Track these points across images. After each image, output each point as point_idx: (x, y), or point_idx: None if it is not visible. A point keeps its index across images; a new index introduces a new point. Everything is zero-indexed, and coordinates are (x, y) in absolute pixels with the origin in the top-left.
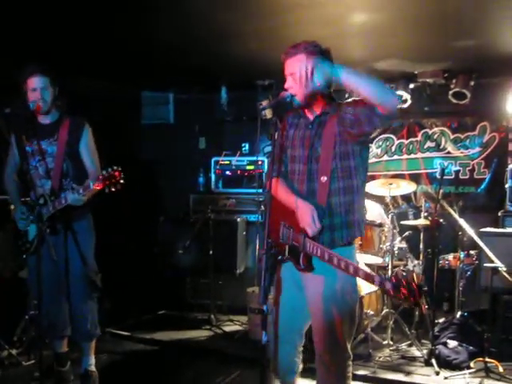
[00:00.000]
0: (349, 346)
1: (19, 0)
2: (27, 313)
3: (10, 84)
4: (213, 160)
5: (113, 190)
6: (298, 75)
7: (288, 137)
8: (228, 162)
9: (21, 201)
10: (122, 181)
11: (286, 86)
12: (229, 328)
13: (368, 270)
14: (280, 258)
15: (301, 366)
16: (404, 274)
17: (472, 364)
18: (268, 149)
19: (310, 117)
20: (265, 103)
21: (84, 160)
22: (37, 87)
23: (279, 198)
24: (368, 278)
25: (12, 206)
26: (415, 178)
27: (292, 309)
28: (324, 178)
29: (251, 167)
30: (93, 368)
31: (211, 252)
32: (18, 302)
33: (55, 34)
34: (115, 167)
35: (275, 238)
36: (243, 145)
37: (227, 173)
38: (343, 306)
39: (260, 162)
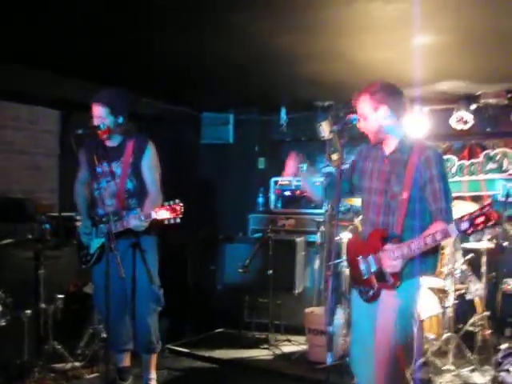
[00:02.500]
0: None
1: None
2: (91, 326)
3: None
4: (272, 180)
5: (171, 222)
6: (361, 115)
7: (363, 167)
8: (287, 182)
9: (87, 215)
10: (181, 215)
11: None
12: (287, 348)
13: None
14: (371, 293)
15: None
16: None
17: None
18: (327, 169)
19: (385, 151)
20: (335, 126)
21: (145, 178)
22: (96, 115)
23: None
24: (445, 235)
25: (78, 223)
26: (476, 200)
27: (366, 329)
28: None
29: None
30: (154, 382)
31: (270, 271)
32: (82, 316)
33: (119, 54)
34: (177, 201)
35: (359, 278)
36: (301, 165)
37: (286, 193)
38: (409, 329)
39: (318, 183)
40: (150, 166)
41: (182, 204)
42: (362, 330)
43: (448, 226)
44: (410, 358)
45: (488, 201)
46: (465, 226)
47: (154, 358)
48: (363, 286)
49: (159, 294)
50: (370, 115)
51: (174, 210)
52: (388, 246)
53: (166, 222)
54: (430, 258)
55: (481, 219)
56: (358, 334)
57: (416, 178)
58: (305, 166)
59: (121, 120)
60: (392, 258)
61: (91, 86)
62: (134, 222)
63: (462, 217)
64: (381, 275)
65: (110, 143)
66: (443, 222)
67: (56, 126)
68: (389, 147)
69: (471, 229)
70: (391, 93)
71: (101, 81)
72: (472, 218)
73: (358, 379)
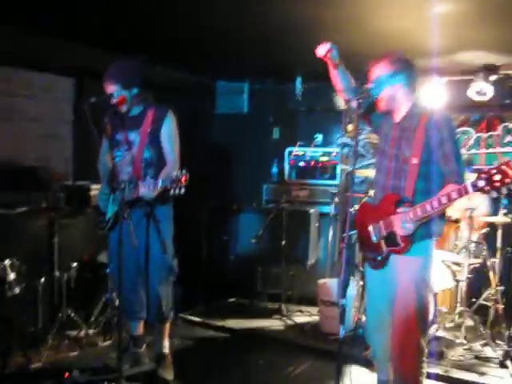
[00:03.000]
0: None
1: None
2: (104, 295)
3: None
4: (287, 150)
5: (176, 192)
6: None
7: (380, 127)
8: (302, 153)
9: (107, 182)
10: (184, 186)
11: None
12: (299, 319)
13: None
14: (380, 258)
15: None
16: None
17: None
18: (342, 140)
19: (395, 119)
20: (353, 98)
21: (163, 148)
22: (110, 93)
23: None
24: (461, 192)
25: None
26: None
27: (381, 298)
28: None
29: (325, 158)
30: (167, 350)
31: (283, 242)
32: (95, 284)
33: (133, 20)
34: (184, 171)
35: (367, 243)
36: (316, 135)
37: (301, 163)
38: (425, 291)
39: (334, 154)
40: (169, 135)
41: (186, 175)
42: (376, 299)
43: (465, 184)
44: (425, 324)
45: (505, 159)
46: (481, 183)
47: (166, 327)
48: (371, 251)
49: (173, 263)
50: (387, 81)
51: (179, 181)
52: (401, 209)
53: (172, 193)
54: (438, 220)
55: (497, 177)
56: (372, 303)
57: (426, 142)
58: (319, 137)
59: (135, 91)
60: (405, 221)
61: (105, 53)
62: (142, 190)
63: (479, 174)
64: (391, 239)
65: (130, 113)
66: (456, 184)
67: (70, 93)
68: (399, 115)
69: (488, 186)
70: (408, 63)
71: (115, 48)
72: (489, 176)
73: (373, 348)
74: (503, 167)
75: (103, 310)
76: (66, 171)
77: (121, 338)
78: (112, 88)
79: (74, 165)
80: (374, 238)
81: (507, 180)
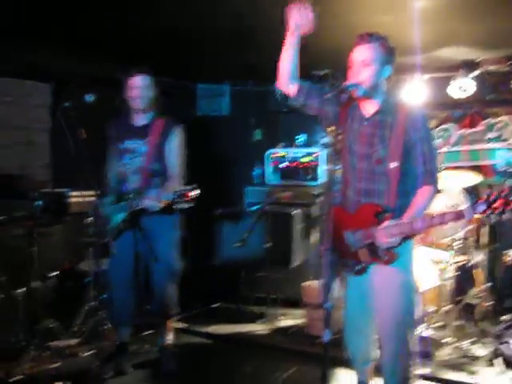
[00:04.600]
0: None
1: None
2: (87, 304)
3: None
4: (268, 152)
5: (180, 207)
6: (371, 63)
7: (348, 129)
8: (284, 154)
9: (113, 190)
10: (191, 202)
11: (352, 72)
12: (284, 322)
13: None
14: (359, 267)
15: (376, 354)
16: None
17: None
18: (325, 140)
19: (365, 112)
20: (329, 94)
21: (167, 161)
22: (138, 86)
23: None
24: (458, 216)
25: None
26: (477, 170)
27: (360, 304)
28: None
29: (307, 159)
30: (170, 343)
31: (267, 245)
32: (77, 293)
33: (109, 24)
34: (194, 186)
35: (344, 249)
36: (298, 136)
37: (283, 165)
38: (412, 299)
39: (316, 154)
40: (174, 149)
41: (193, 191)
42: (356, 304)
43: (463, 209)
44: (413, 327)
45: (506, 186)
46: (482, 208)
47: (169, 322)
48: (349, 258)
49: (177, 267)
50: (375, 64)
51: (185, 196)
52: (387, 224)
53: (174, 207)
54: None
55: (499, 202)
56: (351, 307)
57: (405, 141)
58: (302, 138)
59: (157, 93)
60: (390, 235)
61: (81, 58)
62: (148, 202)
63: (479, 199)
64: (373, 250)
65: (140, 121)
66: (430, 186)
67: (47, 99)
68: (370, 108)
69: (488, 211)
70: (394, 52)
71: (90, 51)
72: (490, 202)
73: (352, 351)
74: (504, 194)
75: (86, 319)
76: (44, 178)
77: (103, 347)
78: (142, 80)
79: (53, 172)
80: (351, 247)
81: (508, 207)
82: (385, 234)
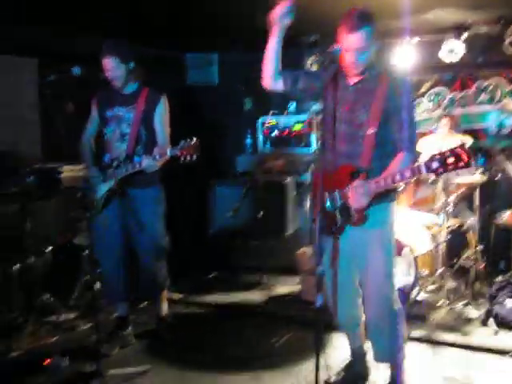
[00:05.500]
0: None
1: None
2: (83, 277)
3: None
4: (260, 120)
5: (187, 159)
6: (359, 52)
7: (333, 96)
8: (275, 122)
9: (93, 162)
10: (197, 153)
11: (348, 56)
12: (280, 290)
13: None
14: (334, 228)
15: (363, 318)
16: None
17: None
18: (316, 106)
19: (350, 80)
20: (317, 58)
21: (156, 130)
22: (108, 68)
23: None
24: (415, 171)
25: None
26: (469, 133)
27: (348, 265)
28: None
29: (299, 127)
30: (165, 313)
31: (261, 214)
32: (73, 267)
33: None
34: (194, 138)
35: (321, 210)
36: (289, 104)
37: (275, 133)
38: (391, 259)
39: (307, 121)
40: (162, 118)
41: (198, 141)
42: (342, 269)
43: (419, 164)
44: (393, 289)
45: (463, 141)
46: (435, 165)
47: (163, 295)
48: (326, 220)
49: (163, 241)
50: (370, 48)
51: (190, 147)
52: (356, 183)
53: (182, 161)
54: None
55: (451, 159)
56: (339, 272)
57: (385, 107)
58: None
59: (132, 66)
60: (359, 194)
61: (66, 33)
62: (147, 161)
63: (434, 155)
64: (345, 211)
65: (124, 91)
66: (407, 152)
67: (34, 75)
68: (355, 76)
69: (441, 169)
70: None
71: (77, 26)
72: (443, 158)
73: (340, 318)
74: (458, 150)
75: (82, 292)
76: (34, 155)
77: (99, 321)
78: (111, 63)
79: (43, 147)
80: (328, 207)
81: (461, 164)
82: (354, 192)
